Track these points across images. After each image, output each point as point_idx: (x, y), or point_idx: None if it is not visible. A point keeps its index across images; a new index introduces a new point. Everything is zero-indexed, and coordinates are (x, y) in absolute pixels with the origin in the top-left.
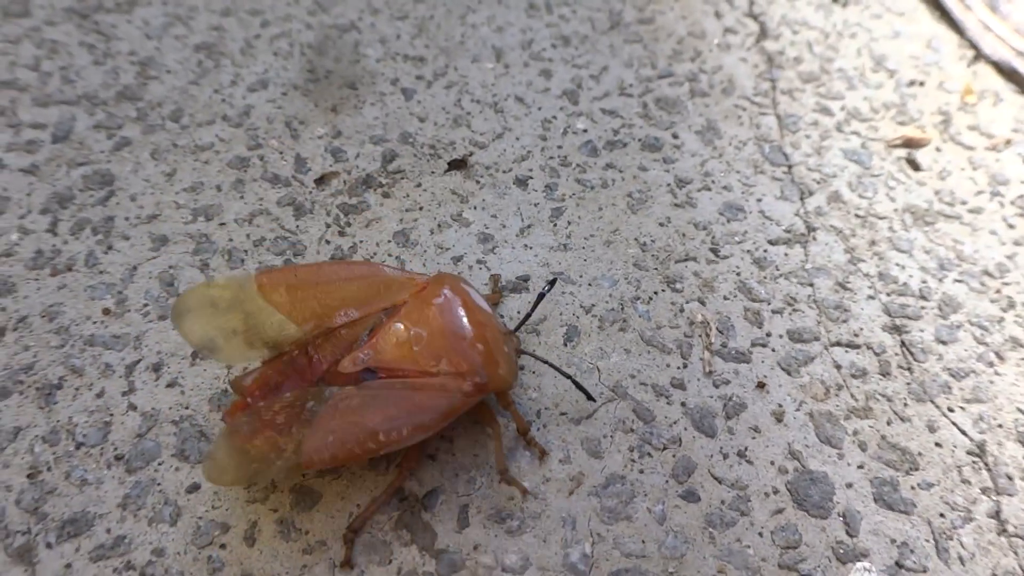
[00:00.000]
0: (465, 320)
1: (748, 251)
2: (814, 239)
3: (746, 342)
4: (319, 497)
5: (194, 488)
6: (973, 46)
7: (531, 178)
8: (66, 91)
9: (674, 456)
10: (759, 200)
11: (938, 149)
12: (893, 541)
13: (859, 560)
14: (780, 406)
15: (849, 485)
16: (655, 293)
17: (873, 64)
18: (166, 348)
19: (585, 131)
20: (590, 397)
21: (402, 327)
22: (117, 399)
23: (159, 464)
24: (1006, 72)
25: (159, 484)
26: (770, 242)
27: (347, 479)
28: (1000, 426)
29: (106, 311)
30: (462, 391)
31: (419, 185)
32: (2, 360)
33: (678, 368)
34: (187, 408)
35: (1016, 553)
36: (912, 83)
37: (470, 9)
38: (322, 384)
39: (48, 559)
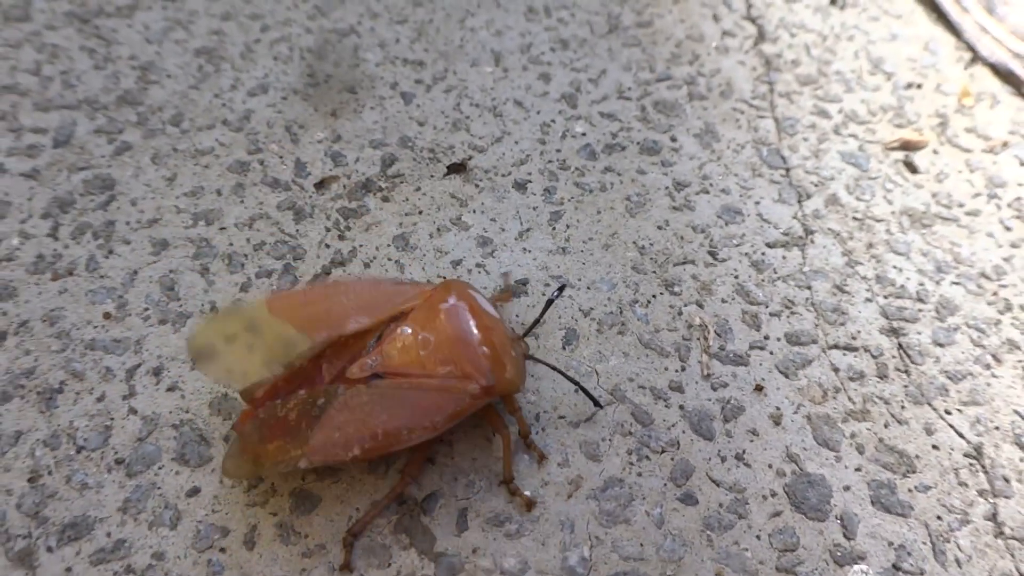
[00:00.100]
0: (472, 324)
1: (746, 254)
2: (812, 242)
3: (744, 345)
4: (318, 501)
5: (194, 492)
6: (970, 48)
7: (530, 182)
8: (67, 96)
9: (672, 459)
10: (757, 203)
11: (935, 151)
12: (890, 544)
13: (856, 563)
14: (778, 409)
15: (847, 488)
16: (653, 296)
17: (870, 67)
18: (167, 352)
19: (584, 135)
20: (598, 404)
21: (410, 332)
22: (118, 403)
23: (159, 468)
24: (1003, 74)
25: (159, 488)
26: (768, 245)
27: (346, 483)
28: (997, 428)
29: (107, 315)
30: (469, 393)
31: (418, 189)
32: (3, 364)
33: (676, 371)
34: (187, 412)
35: (1013, 555)
36: (909, 86)
37: (469, 13)
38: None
39: (48, 563)
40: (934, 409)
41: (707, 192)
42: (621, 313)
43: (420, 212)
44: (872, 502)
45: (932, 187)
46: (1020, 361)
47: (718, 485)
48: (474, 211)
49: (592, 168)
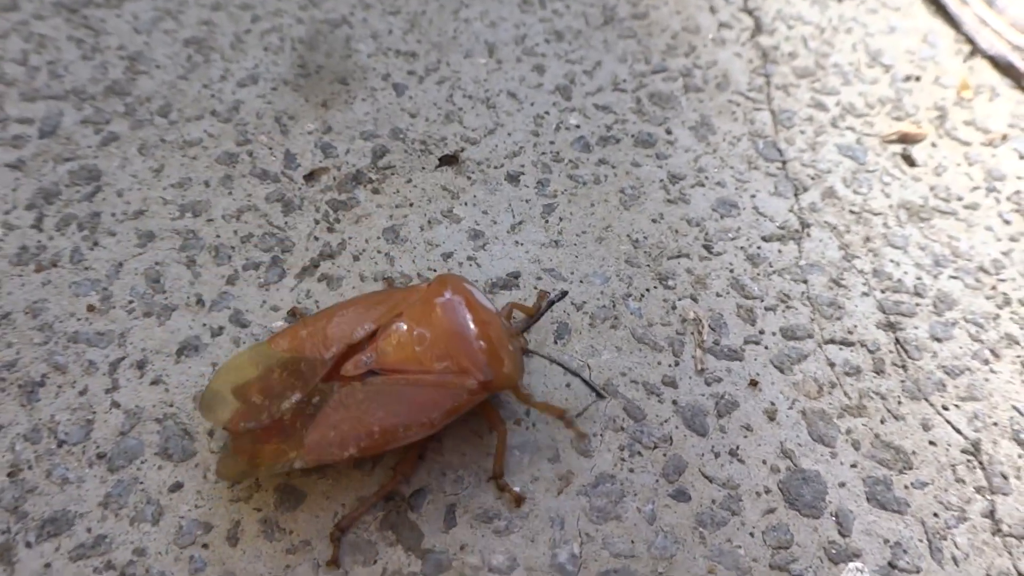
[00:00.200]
0: (468, 319)
1: (741, 247)
2: (808, 235)
3: (739, 339)
4: (303, 497)
5: (177, 487)
6: (969, 41)
7: (523, 174)
8: (54, 86)
9: (665, 455)
10: (753, 196)
11: (934, 144)
12: (886, 541)
13: (851, 560)
14: (773, 404)
15: (842, 484)
16: (647, 290)
17: (868, 59)
18: (151, 345)
19: (578, 127)
20: (600, 395)
21: (405, 328)
22: (100, 397)
23: (142, 463)
24: (1002, 67)
25: (141, 483)
26: (764, 238)
27: (332, 479)
28: (995, 424)
29: (90, 308)
30: (467, 389)
31: (409, 181)
32: None
33: (669, 366)
34: (171, 406)
35: (1011, 553)
36: (908, 78)
37: (463, 4)
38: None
39: (27, 558)
40: (931, 405)
41: (702, 185)
42: (614, 307)
43: (411, 204)
44: (868, 499)
45: (930, 180)
46: (1019, 356)
47: (711, 481)
48: (466, 203)
49: (586, 160)
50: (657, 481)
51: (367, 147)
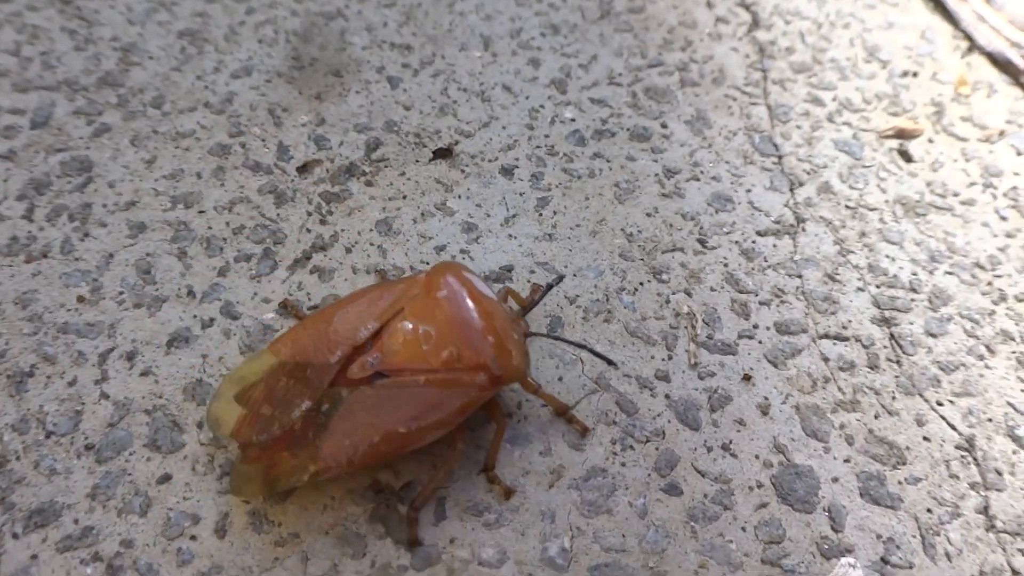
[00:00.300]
0: (474, 312)
1: (736, 242)
2: (803, 230)
3: (732, 334)
4: (292, 489)
5: (165, 479)
6: (967, 37)
7: (517, 167)
8: (46, 77)
9: (657, 449)
10: (748, 191)
11: (930, 140)
12: (879, 537)
13: (844, 556)
14: (766, 399)
15: (835, 479)
16: (641, 284)
17: (866, 54)
18: (141, 336)
19: (573, 120)
20: (611, 363)
21: (409, 325)
22: (89, 388)
23: (130, 454)
24: (1000, 63)
25: (129, 474)
26: (759, 233)
27: None
28: (990, 420)
29: (81, 299)
30: (477, 385)
31: (403, 174)
32: None
33: (663, 360)
34: (160, 397)
35: (1004, 549)
36: (905, 74)
37: None
38: (334, 385)
39: (14, 549)
40: (925, 400)
41: (697, 179)
42: (607, 301)
43: (404, 197)
44: (861, 494)
45: (927, 176)
46: (1014, 352)
47: (703, 476)
48: (459, 196)
49: (581, 154)
50: (649, 475)
51: (361, 139)
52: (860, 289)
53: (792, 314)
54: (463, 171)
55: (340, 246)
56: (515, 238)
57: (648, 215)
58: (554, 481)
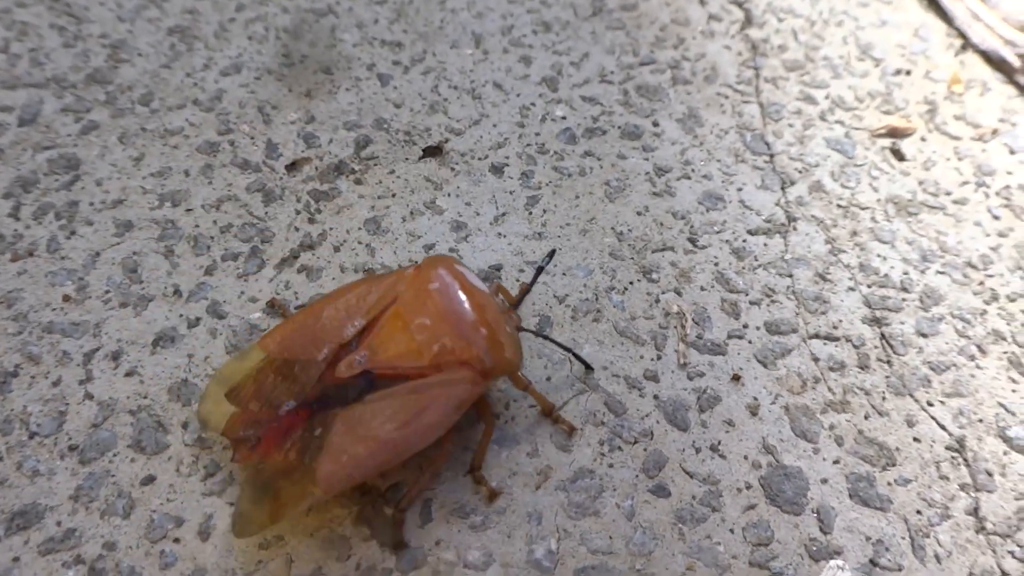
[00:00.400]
0: (466, 304)
1: (727, 241)
2: (794, 229)
3: (722, 334)
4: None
5: (149, 480)
6: (961, 35)
7: (507, 165)
8: (35, 74)
9: (645, 450)
10: (739, 189)
11: (923, 139)
12: (868, 538)
13: (832, 558)
14: (755, 399)
15: (824, 481)
16: (631, 283)
17: (859, 52)
18: (126, 336)
19: (564, 118)
20: (589, 367)
21: (399, 320)
22: (74, 388)
23: (114, 455)
24: (994, 61)
25: (113, 476)
26: (749, 232)
27: None
28: (980, 421)
29: (66, 298)
30: (469, 381)
31: (392, 172)
32: None
33: (652, 360)
34: (145, 398)
35: (994, 551)
36: (898, 72)
37: None
38: (321, 383)
39: None
40: (916, 401)
41: (688, 178)
42: (597, 300)
43: (393, 195)
44: (850, 495)
45: (919, 175)
46: (1005, 352)
47: (691, 477)
48: (449, 195)
49: (571, 152)
50: (637, 476)
51: (350, 137)
52: (851, 289)
53: (782, 314)
54: (453, 169)
55: (328, 245)
56: (504, 237)
57: (639, 214)
58: (541, 482)
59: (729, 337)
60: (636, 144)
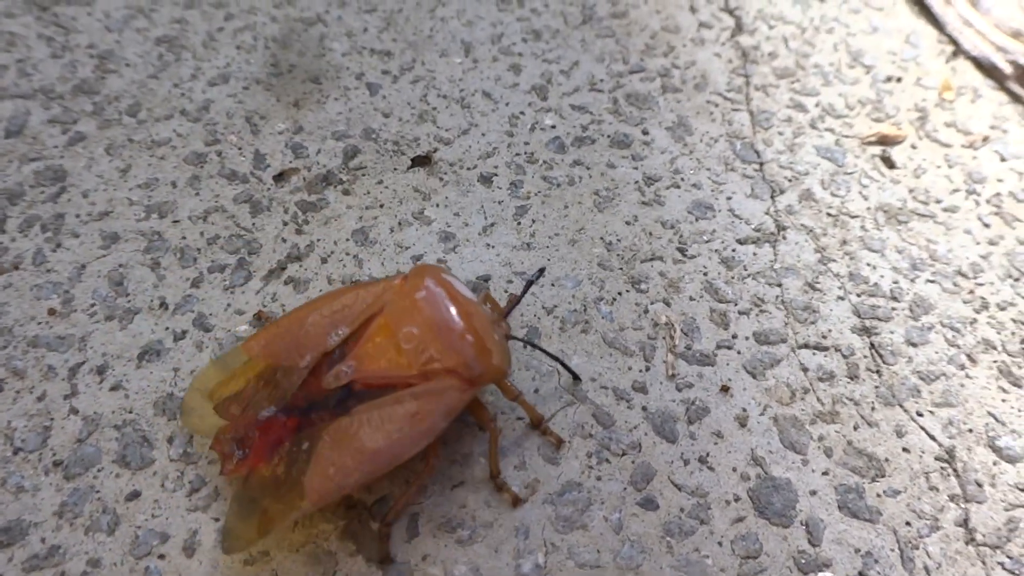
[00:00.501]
0: (453, 312)
1: (716, 250)
2: (784, 238)
3: (711, 344)
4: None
5: (134, 496)
6: (952, 41)
7: (496, 175)
8: (22, 84)
9: (633, 462)
10: (729, 198)
11: (914, 146)
12: (857, 550)
13: (821, 570)
14: (744, 410)
15: (813, 492)
16: (619, 294)
17: (850, 60)
18: (111, 350)
19: (553, 127)
20: (577, 378)
21: (386, 330)
22: (58, 403)
23: (99, 471)
24: (985, 68)
25: (98, 492)
26: (739, 241)
27: None
28: (970, 431)
29: (51, 311)
30: (457, 389)
31: (380, 182)
32: None
33: (640, 371)
34: (130, 412)
35: (984, 563)
36: (889, 79)
37: (440, 2)
38: (304, 391)
39: None
40: (905, 411)
41: (678, 187)
42: (585, 311)
43: (381, 206)
44: (839, 507)
45: (909, 183)
46: (995, 361)
47: (680, 489)
48: (437, 205)
49: (561, 161)
50: (625, 489)
51: (338, 147)
52: (840, 298)
53: (771, 324)
54: (441, 179)
55: (316, 256)
56: (493, 247)
57: (628, 223)
58: (529, 496)
59: (718, 348)
60: (625, 153)
